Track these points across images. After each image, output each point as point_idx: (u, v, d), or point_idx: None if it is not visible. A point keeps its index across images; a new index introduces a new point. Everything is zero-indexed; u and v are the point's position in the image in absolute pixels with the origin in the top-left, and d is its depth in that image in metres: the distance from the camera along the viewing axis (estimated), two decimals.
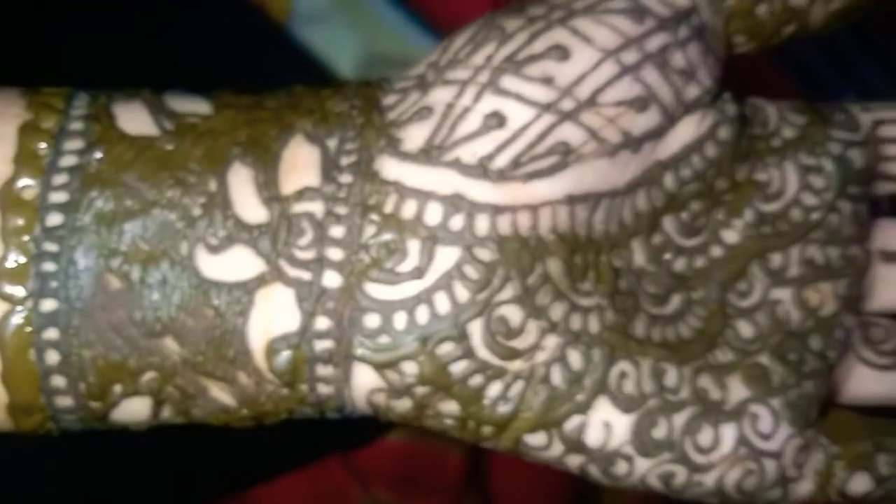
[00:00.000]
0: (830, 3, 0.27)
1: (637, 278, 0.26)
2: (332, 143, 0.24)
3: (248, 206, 0.23)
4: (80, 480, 0.47)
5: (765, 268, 0.27)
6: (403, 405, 0.24)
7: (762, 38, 0.27)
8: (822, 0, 0.27)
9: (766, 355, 0.27)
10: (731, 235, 0.27)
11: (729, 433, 0.25)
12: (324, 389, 0.24)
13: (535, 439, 0.24)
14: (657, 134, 0.25)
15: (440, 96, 0.24)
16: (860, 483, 0.27)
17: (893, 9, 0.29)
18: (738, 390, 0.26)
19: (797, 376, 0.27)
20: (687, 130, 0.26)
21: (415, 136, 0.24)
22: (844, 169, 0.28)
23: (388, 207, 0.23)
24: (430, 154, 0.24)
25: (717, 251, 0.27)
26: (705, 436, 0.25)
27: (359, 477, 0.56)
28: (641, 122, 0.25)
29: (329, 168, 0.24)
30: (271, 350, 0.23)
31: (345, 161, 0.24)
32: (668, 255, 0.26)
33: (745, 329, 0.27)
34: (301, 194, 0.23)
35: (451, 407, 0.24)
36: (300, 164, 0.24)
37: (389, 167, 0.24)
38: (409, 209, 0.23)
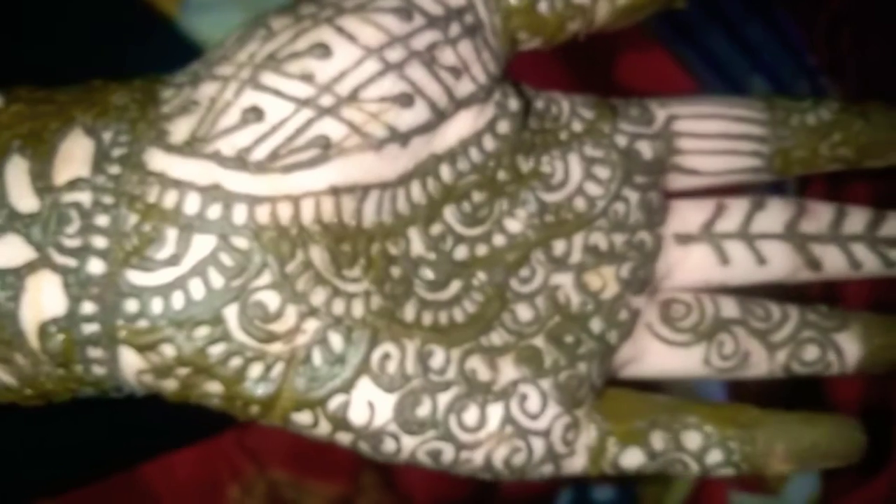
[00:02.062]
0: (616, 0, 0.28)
1: (414, 265, 0.27)
2: (107, 136, 0.25)
3: (22, 196, 0.24)
4: None
5: (548, 255, 0.29)
6: (170, 385, 0.25)
7: (546, 34, 0.28)
8: None
9: (541, 338, 0.28)
10: (513, 225, 0.29)
11: (495, 412, 0.27)
12: (98, 370, 0.25)
13: (302, 418, 0.26)
14: (427, 129, 0.26)
15: (206, 91, 0.25)
16: (632, 458, 0.29)
17: None
18: (508, 372, 0.27)
19: (571, 358, 0.28)
20: (463, 125, 0.27)
21: (181, 129, 0.25)
22: (630, 160, 0.30)
23: (152, 197, 0.24)
24: (192, 146, 0.24)
25: (499, 240, 0.28)
26: (471, 415, 0.27)
27: (253, 456, 0.57)
28: (407, 117, 0.26)
29: (100, 160, 0.24)
30: (43, 333, 0.24)
31: (116, 153, 0.25)
32: (447, 244, 0.28)
33: (524, 313, 0.28)
34: (72, 185, 0.24)
35: (215, 387, 0.25)
36: (75, 156, 0.25)
37: (155, 159, 0.24)
38: (170, 199, 0.24)
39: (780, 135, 0.30)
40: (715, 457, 0.29)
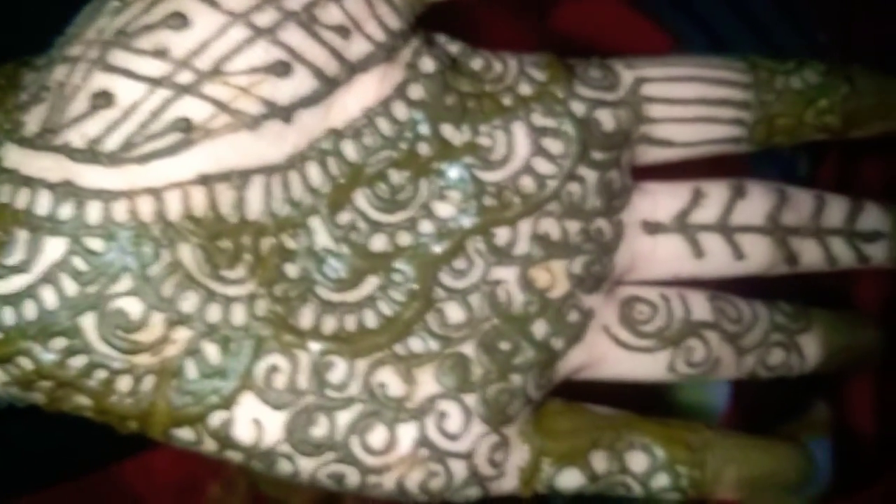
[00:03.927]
0: None
1: (318, 262, 0.24)
2: None
3: None
4: None
5: (488, 244, 0.25)
6: (37, 398, 0.23)
7: None
8: None
9: (471, 344, 0.25)
10: (444, 209, 0.25)
11: (407, 433, 0.24)
12: None
13: (184, 434, 0.23)
14: (315, 100, 0.23)
15: (56, 75, 0.22)
16: (569, 479, 0.26)
17: None
18: (427, 385, 0.24)
19: (503, 369, 0.25)
20: (365, 92, 0.24)
21: (34, 119, 0.22)
22: (588, 132, 0.26)
23: (4, 197, 0.22)
24: (44, 138, 0.22)
25: (426, 227, 0.25)
26: (377, 436, 0.24)
27: (131, 494, 0.56)
28: (287, 88, 0.23)
29: None
30: None
31: None
32: (361, 234, 0.24)
33: (454, 313, 0.25)
34: None
35: (84, 401, 0.23)
36: None
37: (10, 154, 0.22)
38: (21, 199, 0.22)
39: (763, 100, 0.27)
40: (661, 481, 0.26)
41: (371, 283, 0.24)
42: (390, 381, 0.24)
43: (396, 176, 0.24)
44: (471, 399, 0.24)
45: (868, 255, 0.28)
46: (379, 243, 0.24)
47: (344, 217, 0.24)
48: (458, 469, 0.24)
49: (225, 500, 0.59)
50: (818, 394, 0.60)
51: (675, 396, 0.57)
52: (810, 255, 0.28)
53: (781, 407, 0.59)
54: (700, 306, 0.27)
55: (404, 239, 0.25)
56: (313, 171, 0.24)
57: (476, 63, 0.26)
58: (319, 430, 0.23)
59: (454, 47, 0.26)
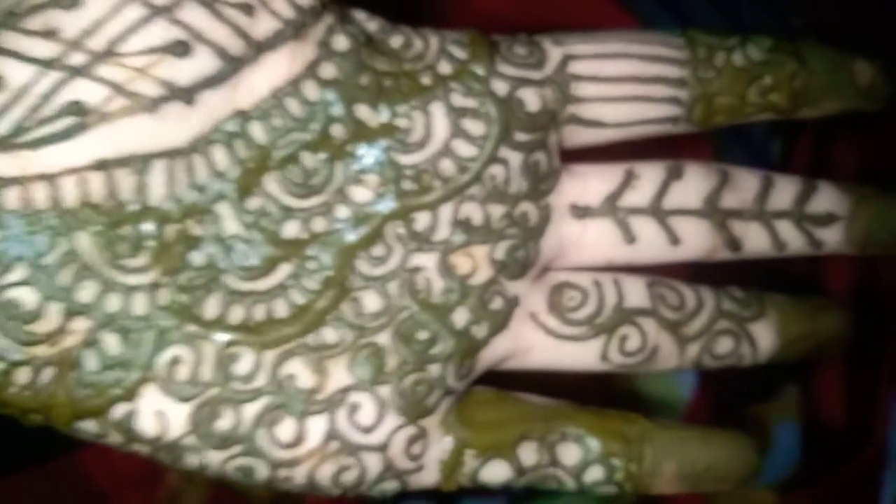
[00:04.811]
0: None
1: (226, 249, 0.23)
2: None
3: None
4: None
5: (408, 230, 0.24)
6: None
7: None
8: None
9: (387, 334, 0.24)
10: (361, 193, 0.24)
11: (317, 426, 0.23)
12: None
13: (88, 427, 0.22)
14: (219, 80, 0.22)
15: None
16: (495, 472, 0.25)
17: None
18: (339, 377, 0.24)
19: (421, 359, 0.24)
20: (274, 72, 0.23)
21: None
22: (510, 112, 0.25)
23: None
24: None
25: (343, 212, 0.24)
26: (285, 429, 0.23)
27: (91, 483, 0.55)
28: (188, 69, 0.22)
29: None
30: None
31: None
32: (273, 220, 0.23)
33: (371, 302, 0.24)
34: None
35: None
36: None
37: None
38: None
39: (701, 77, 0.26)
40: (595, 474, 0.26)
41: (283, 272, 0.23)
42: (300, 372, 0.23)
43: (309, 159, 0.23)
44: (385, 390, 0.24)
45: (820, 240, 0.27)
46: (291, 229, 0.23)
47: (254, 202, 0.23)
48: (372, 462, 0.24)
49: (184, 489, 0.58)
50: (789, 378, 0.60)
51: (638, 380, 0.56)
52: (755, 239, 0.27)
53: (751, 390, 0.58)
54: (636, 292, 0.27)
55: (319, 225, 0.24)
56: (219, 155, 0.23)
57: (395, 40, 0.25)
58: (225, 422, 0.23)
59: (373, 24, 0.25)
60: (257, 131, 0.23)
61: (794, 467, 0.61)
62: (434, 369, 0.24)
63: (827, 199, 0.27)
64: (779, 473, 0.61)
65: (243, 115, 0.23)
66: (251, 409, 0.23)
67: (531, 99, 0.25)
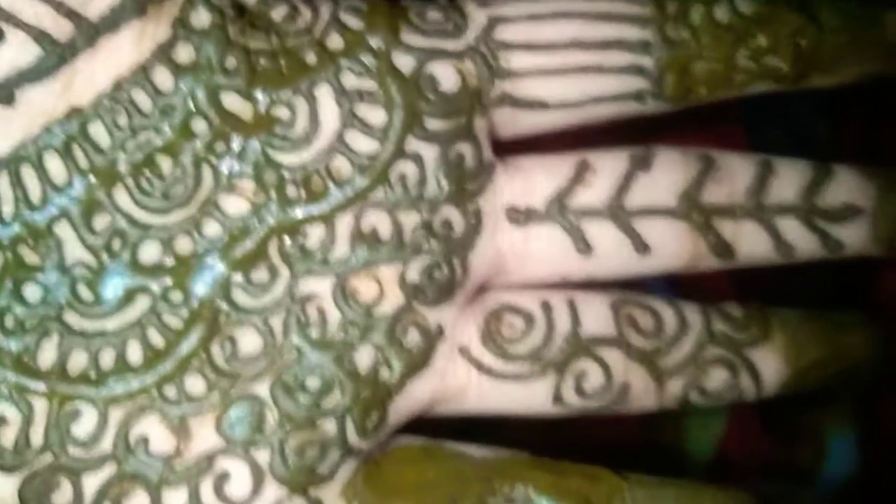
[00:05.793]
0: None
1: (69, 280, 0.19)
2: None
3: None
4: None
5: (296, 247, 0.20)
6: None
7: None
8: None
9: (267, 381, 0.20)
10: (235, 204, 0.20)
11: (176, 501, 0.19)
12: None
13: None
14: (43, 73, 0.19)
15: None
16: None
17: None
18: (205, 438, 0.20)
19: (311, 414, 0.20)
20: (116, 58, 0.19)
21: None
22: (418, 93, 0.20)
23: None
24: None
25: (212, 228, 0.20)
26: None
27: None
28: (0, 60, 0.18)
29: None
30: None
31: None
32: (125, 242, 0.19)
33: (248, 342, 0.20)
34: None
35: None
36: None
37: None
38: None
39: (671, 38, 0.21)
40: None
41: (139, 306, 0.20)
42: (155, 433, 0.19)
43: (167, 164, 0.20)
44: (264, 455, 0.20)
45: (837, 240, 0.22)
46: (150, 252, 0.20)
47: (102, 221, 0.20)
48: None
49: None
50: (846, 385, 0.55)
51: None
52: (751, 242, 0.22)
53: (802, 395, 0.54)
54: (596, 315, 0.22)
55: (184, 246, 0.20)
56: (54, 164, 0.19)
57: (278, 12, 0.21)
58: (62, 497, 0.19)
59: None
60: (99, 133, 0.19)
61: (851, 479, 0.56)
62: (328, 426, 0.20)
63: (845, 187, 0.22)
64: (834, 487, 0.57)
65: (80, 115, 0.19)
66: (94, 481, 0.19)
67: (446, 75, 0.21)
